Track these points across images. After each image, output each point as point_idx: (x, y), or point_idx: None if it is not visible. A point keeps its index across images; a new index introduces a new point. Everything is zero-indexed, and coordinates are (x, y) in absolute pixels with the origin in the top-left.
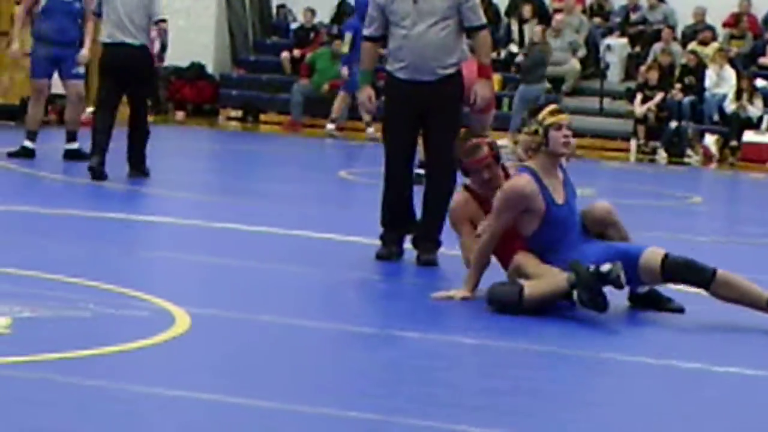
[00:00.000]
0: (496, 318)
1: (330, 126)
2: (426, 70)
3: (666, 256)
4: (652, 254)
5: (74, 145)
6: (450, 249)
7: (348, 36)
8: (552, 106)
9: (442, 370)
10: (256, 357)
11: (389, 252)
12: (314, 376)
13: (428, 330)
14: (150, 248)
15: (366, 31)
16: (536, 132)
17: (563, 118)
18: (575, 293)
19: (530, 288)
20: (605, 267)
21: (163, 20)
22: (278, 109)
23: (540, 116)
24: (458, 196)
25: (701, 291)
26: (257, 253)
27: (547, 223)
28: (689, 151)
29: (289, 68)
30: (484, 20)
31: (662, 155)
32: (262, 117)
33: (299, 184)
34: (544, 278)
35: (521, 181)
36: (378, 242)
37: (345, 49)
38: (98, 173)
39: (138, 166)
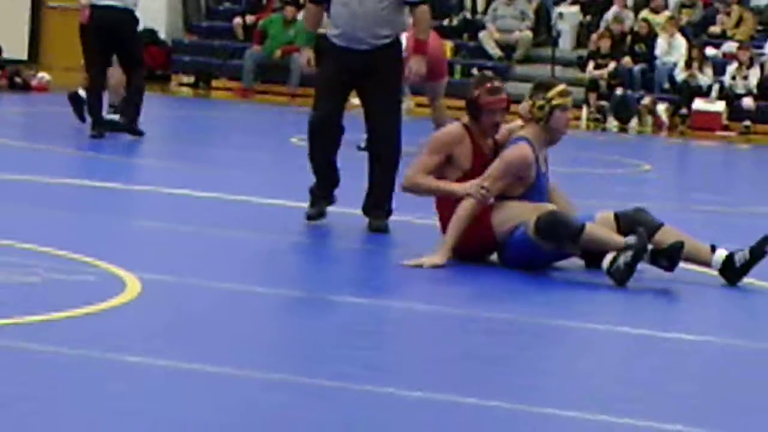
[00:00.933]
0: (453, 285)
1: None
2: (360, 40)
3: (537, 221)
4: (531, 225)
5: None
6: (402, 216)
7: None
8: (562, 86)
9: (392, 335)
10: (206, 323)
11: (319, 211)
12: (265, 341)
13: (380, 296)
14: (100, 214)
15: None
16: (541, 108)
17: (569, 101)
18: (620, 256)
19: (591, 228)
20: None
21: None
22: (230, 75)
23: (549, 94)
24: (455, 128)
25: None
26: (207, 218)
27: (532, 191)
28: (635, 120)
29: (241, 34)
30: None
31: (612, 123)
32: (214, 83)
33: (250, 151)
34: (604, 228)
35: (525, 150)
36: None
37: None
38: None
39: (129, 123)
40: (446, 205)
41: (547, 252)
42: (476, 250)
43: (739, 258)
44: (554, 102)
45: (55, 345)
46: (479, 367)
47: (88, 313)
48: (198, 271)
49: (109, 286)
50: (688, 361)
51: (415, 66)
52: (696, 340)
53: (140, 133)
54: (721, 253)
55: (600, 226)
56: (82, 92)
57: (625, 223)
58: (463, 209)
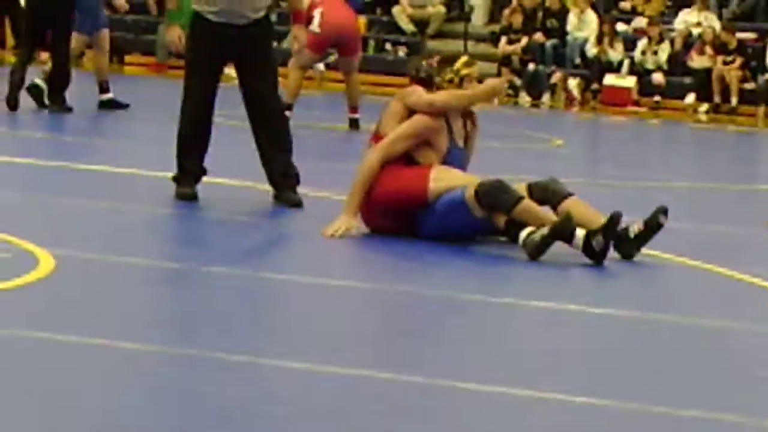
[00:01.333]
0: (366, 259)
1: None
2: (239, 15)
3: (479, 185)
4: (470, 189)
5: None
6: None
7: None
8: (466, 57)
9: (305, 311)
10: (119, 299)
11: (191, 192)
12: (175, 317)
13: (291, 271)
14: (9, 189)
15: None
16: (451, 81)
17: (475, 70)
18: (537, 231)
19: (529, 201)
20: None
21: None
22: (143, 51)
23: (455, 66)
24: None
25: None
26: (118, 193)
27: (445, 163)
28: (546, 95)
29: (155, 9)
30: None
31: (525, 98)
32: (127, 58)
33: (162, 126)
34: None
35: (428, 119)
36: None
37: None
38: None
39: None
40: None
41: (470, 221)
42: (404, 217)
43: (633, 230)
44: (462, 72)
45: None
46: (394, 340)
47: (0, 289)
48: (110, 246)
49: (23, 262)
50: (597, 333)
51: (300, 35)
52: (601, 313)
53: (69, 109)
54: (578, 235)
55: (534, 203)
56: (39, 81)
57: (537, 192)
58: (366, 171)
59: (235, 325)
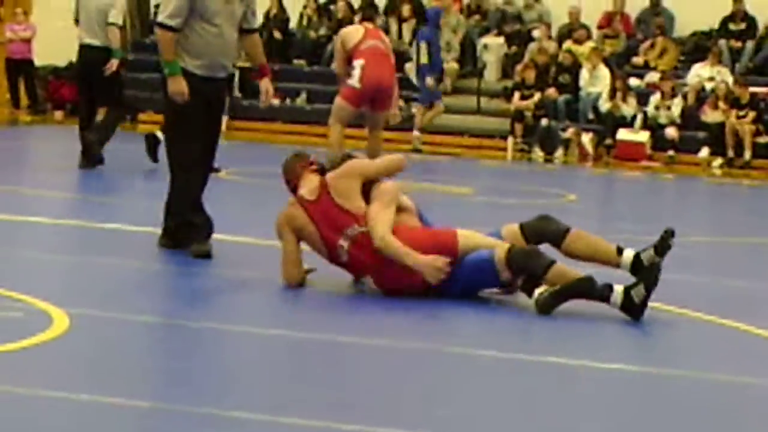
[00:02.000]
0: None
1: (416, 133)
2: (221, 68)
3: (511, 249)
4: (499, 252)
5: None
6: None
7: (423, 46)
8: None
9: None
10: (132, 357)
11: (209, 249)
12: (190, 375)
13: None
14: (22, 248)
15: (173, 22)
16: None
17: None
18: (632, 291)
19: (560, 265)
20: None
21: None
22: (158, 109)
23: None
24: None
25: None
26: (133, 252)
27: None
28: (560, 150)
29: None
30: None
31: (538, 153)
32: (141, 116)
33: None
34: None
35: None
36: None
37: (423, 59)
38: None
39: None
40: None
41: (493, 281)
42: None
43: (646, 257)
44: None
45: None
46: (407, 397)
47: (16, 348)
48: (124, 304)
49: (36, 321)
50: (612, 389)
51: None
52: (615, 368)
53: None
54: (628, 255)
55: (565, 266)
56: (159, 134)
57: (530, 232)
58: (394, 240)
59: (254, 384)
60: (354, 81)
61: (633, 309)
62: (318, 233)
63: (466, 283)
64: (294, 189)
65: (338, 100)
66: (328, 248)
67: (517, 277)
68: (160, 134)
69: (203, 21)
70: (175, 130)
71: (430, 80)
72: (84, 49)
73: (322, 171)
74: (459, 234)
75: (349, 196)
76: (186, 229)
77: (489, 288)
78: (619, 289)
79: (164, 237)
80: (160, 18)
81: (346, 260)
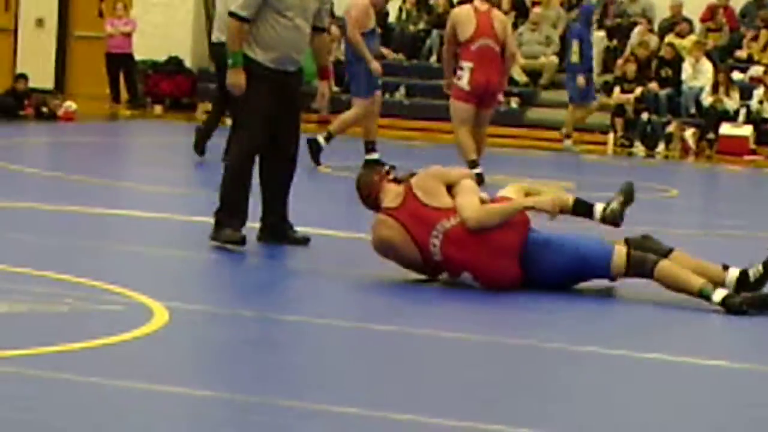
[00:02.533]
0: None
1: (567, 141)
2: (292, 61)
3: (633, 255)
4: (619, 253)
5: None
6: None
7: (575, 44)
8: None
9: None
10: (236, 352)
11: (242, 236)
12: (286, 369)
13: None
14: (123, 242)
15: (244, 12)
16: None
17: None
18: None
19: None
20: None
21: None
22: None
23: None
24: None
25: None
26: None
27: None
28: (661, 145)
29: None
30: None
31: (639, 148)
32: None
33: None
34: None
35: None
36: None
37: (574, 58)
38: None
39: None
40: None
41: (601, 275)
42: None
43: (753, 273)
44: None
45: (85, 374)
46: (513, 392)
47: (118, 341)
48: (224, 298)
49: (137, 314)
50: (712, 386)
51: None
52: (708, 364)
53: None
54: (734, 272)
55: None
56: (320, 138)
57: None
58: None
59: (347, 378)
60: (463, 83)
61: (748, 288)
62: (410, 238)
63: (569, 275)
64: (374, 204)
65: (453, 102)
66: (422, 250)
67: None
68: (321, 139)
69: (276, 13)
70: (242, 117)
71: (581, 79)
72: (215, 46)
73: (397, 180)
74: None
75: (435, 194)
76: (233, 214)
77: (591, 279)
78: (734, 271)
79: (263, 231)
80: (233, 8)
81: (441, 259)
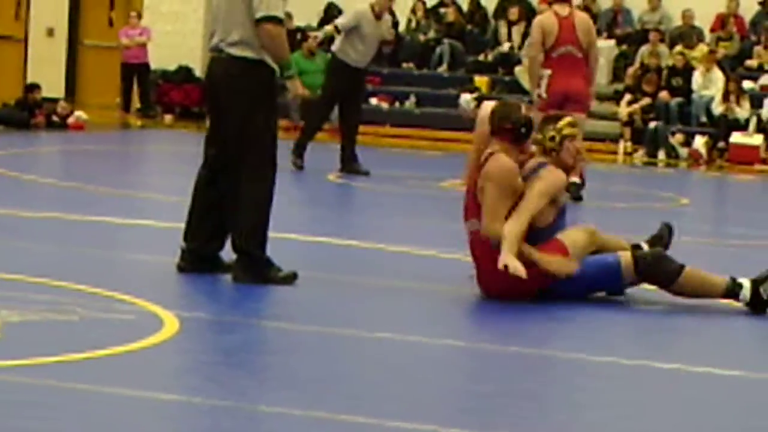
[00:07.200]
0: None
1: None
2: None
3: (640, 255)
4: (626, 257)
5: None
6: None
7: None
8: (569, 118)
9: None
10: (246, 360)
11: None
12: (297, 379)
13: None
14: (134, 252)
15: (280, 13)
16: (552, 138)
17: (576, 131)
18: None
19: (691, 270)
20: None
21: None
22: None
23: (559, 125)
24: (512, 165)
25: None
26: None
27: (561, 215)
28: (661, 153)
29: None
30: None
31: (643, 157)
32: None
33: (289, 187)
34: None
35: (561, 173)
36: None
37: None
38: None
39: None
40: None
41: (614, 285)
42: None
43: (765, 289)
44: (564, 132)
45: (96, 383)
46: (516, 403)
47: (128, 350)
48: (234, 308)
49: (147, 323)
50: (716, 395)
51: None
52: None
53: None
54: (746, 286)
55: (698, 269)
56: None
57: (643, 265)
58: (520, 231)
59: (356, 387)
60: (542, 90)
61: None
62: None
63: (583, 287)
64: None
65: (534, 111)
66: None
67: (642, 282)
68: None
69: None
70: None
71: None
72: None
73: (516, 138)
74: (567, 245)
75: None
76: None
77: (607, 290)
78: (747, 284)
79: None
80: (269, 12)
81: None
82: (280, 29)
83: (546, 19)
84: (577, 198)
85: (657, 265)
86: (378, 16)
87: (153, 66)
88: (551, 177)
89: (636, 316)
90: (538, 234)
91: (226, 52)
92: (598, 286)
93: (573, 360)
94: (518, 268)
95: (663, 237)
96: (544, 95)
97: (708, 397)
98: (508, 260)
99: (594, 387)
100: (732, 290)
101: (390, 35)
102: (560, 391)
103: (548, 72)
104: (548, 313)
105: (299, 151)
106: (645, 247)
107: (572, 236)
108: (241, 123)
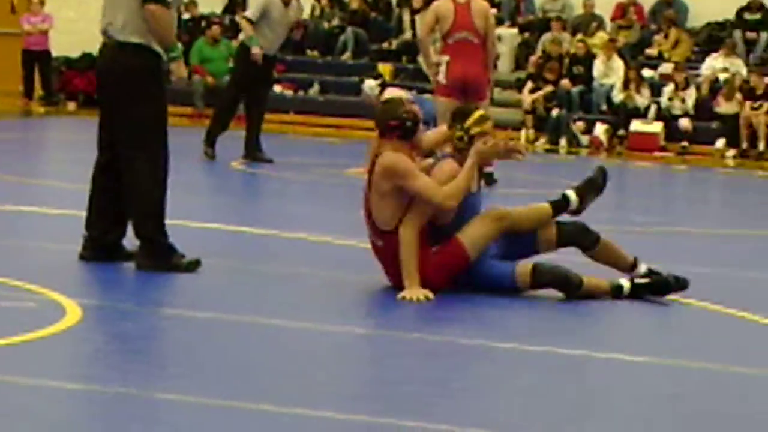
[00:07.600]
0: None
1: None
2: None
3: (535, 270)
4: (522, 273)
5: None
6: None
7: None
8: (478, 114)
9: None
10: (148, 348)
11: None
12: (208, 366)
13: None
14: (33, 239)
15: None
16: (461, 138)
17: (487, 127)
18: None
19: (588, 280)
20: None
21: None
22: (180, 102)
23: (467, 123)
24: (454, 166)
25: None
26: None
27: (463, 209)
28: (563, 140)
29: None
30: None
31: (542, 144)
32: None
33: (192, 174)
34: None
35: (454, 165)
36: None
37: None
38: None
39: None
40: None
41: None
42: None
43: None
44: (472, 132)
45: None
46: (419, 389)
47: (30, 339)
48: (135, 296)
49: (50, 312)
50: (623, 382)
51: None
52: (631, 360)
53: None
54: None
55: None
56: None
57: (565, 237)
58: (413, 241)
59: (261, 377)
60: (441, 77)
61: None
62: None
63: (481, 288)
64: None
65: (435, 98)
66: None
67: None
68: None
69: None
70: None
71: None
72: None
73: (403, 134)
74: (464, 243)
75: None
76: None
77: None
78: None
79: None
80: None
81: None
82: (166, 11)
83: (442, 5)
84: (491, 183)
85: (553, 282)
86: (286, 3)
87: (56, 53)
88: (439, 173)
89: (540, 303)
90: (440, 231)
91: (113, 39)
92: (496, 285)
93: (476, 346)
94: (420, 296)
95: (596, 180)
96: (443, 81)
97: (613, 383)
98: (409, 294)
99: (498, 374)
100: (617, 289)
101: (299, 15)
102: (463, 377)
103: (446, 58)
104: (451, 299)
105: (211, 140)
106: (572, 196)
107: (471, 232)
108: (129, 109)
